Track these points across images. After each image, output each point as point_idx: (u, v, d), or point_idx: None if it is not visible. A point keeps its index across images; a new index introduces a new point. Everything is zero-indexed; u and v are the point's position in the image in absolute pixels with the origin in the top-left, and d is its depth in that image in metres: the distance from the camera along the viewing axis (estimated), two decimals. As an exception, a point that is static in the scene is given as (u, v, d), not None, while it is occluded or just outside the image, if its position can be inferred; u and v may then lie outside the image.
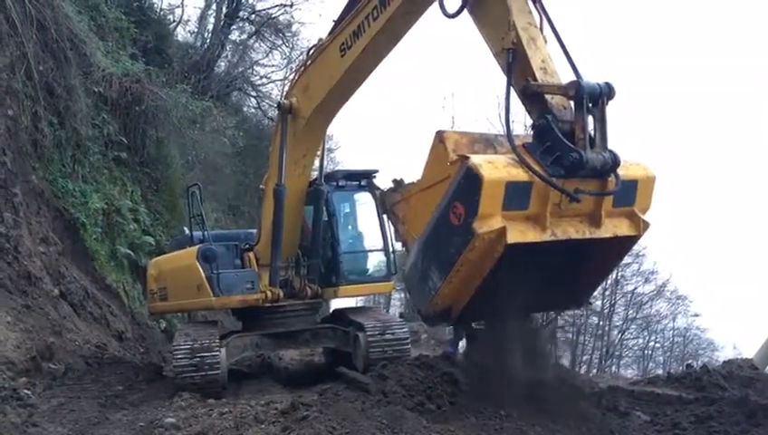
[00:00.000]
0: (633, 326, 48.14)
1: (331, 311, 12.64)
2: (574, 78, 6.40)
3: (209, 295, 10.03)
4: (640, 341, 49.17)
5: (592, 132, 6.27)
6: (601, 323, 46.71)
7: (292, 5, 31.64)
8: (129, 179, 17.94)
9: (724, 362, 10.68)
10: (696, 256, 67.52)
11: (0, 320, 9.91)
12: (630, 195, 6.61)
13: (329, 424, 5.50)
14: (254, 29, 33.12)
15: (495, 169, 6.02)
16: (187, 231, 12.25)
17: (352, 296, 11.67)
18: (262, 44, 33.99)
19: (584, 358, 45.97)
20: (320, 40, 9.69)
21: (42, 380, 9.51)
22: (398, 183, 7.58)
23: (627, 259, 44.16)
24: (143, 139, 18.57)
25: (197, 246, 10.54)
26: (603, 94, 6.23)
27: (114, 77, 17.59)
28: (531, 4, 6.81)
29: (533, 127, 6.44)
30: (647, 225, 6.76)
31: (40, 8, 14.50)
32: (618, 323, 47.07)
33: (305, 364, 13.76)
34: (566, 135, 6.19)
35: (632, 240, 6.89)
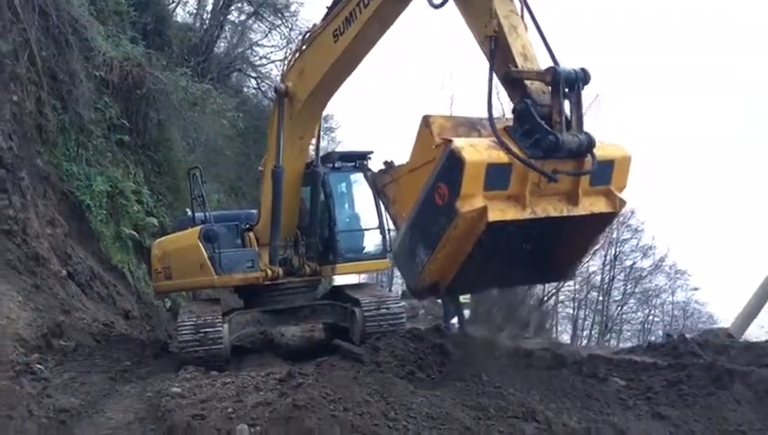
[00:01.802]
0: (632, 301, 48.70)
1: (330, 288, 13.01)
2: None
3: (211, 274, 10.44)
4: (640, 315, 49.67)
5: (569, 116, 6.61)
6: (600, 297, 47.29)
7: (290, -15, 31.82)
8: (132, 162, 18.28)
9: (703, 331, 11.08)
10: (694, 231, 68.06)
11: (11, 299, 10.32)
12: (607, 174, 6.93)
13: (322, 390, 5.91)
14: (252, 9, 33.20)
15: (477, 151, 6.34)
16: (189, 212, 12.63)
17: (349, 274, 12.01)
18: (261, 25, 34.10)
19: (584, 332, 46.61)
20: (314, 25, 9.99)
21: (53, 356, 9.89)
22: (389, 165, 7.92)
23: (626, 234, 44.72)
24: (145, 122, 18.93)
25: (199, 227, 10.91)
26: (579, 79, 6.54)
27: (115, 61, 17.83)
28: None
29: (514, 111, 6.76)
30: (623, 202, 7.10)
31: (41, -6, 14.79)
32: (618, 298, 47.68)
33: (306, 340, 14.18)
34: (545, 118, 6.51)
35: (609, 217, 7.22)
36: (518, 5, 7.09)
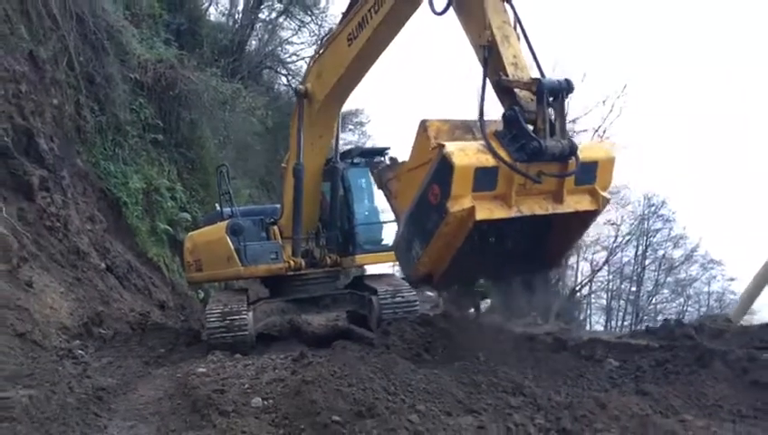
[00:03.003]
0: (666, 291, 48.49)
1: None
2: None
3: (238, 265, 11.10)
4: (674, 305, 49.37)
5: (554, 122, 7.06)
6: (633, 288, 47.23)
7: (319, -18, 32.52)
8: (166, 160, 19.14)
9: (701, 316, 11.38)
10: (731, 221, 67.17)
11: (55, 290, 11.08)
12: (591, 174, 7.35)
13: (330, 368, 6.50)
14: (282, 7, 33.91)
15: (466, 156, 6.80)
16: (218, 207, 13.34)
17: (368, 264, 12.54)
18: (291, 22, 34.88)
19: (618, 323, 46.58)
20: (330, 30, 10.58)
21: (93, 342, 10.63)
22: (394, 161, 8.48)
23: (657, 225, 44.66)
24: (177, 121, 19.77)
25: (227, 221, 11.60)
26: (563, 89, 6.98)
27: (149, 63, 18.69)
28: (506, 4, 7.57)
29: (503, 117, 7.21)
30: (606, 200, 7.52)
31: (78, 2, 15.60)
32: (650, 289, 47.58)
33: (331, 328, 14.78)
34: (532, 124, 7.00)
35: (593, 214, 7.65)
36: (512, 16, 7.55)
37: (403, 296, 10.88)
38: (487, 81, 7.30)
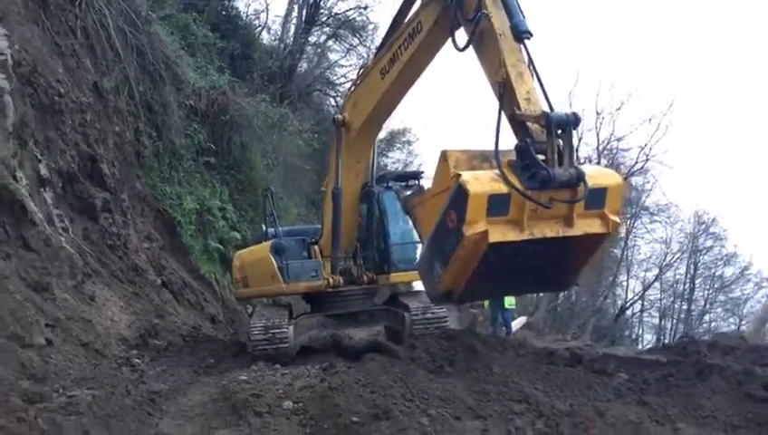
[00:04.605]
0: (719, 310, 47.74)
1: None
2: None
3: (280, 283, 11.89)
4: (733, 325, 48.49)
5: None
6: (685, 306, 46.67)
7: (366, 8, 33.55)
8: (218, 181, 20.25)
9: (715, 333, 11.70)
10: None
11: (115, 304, 12.12)
12: (600, 199, 7.82)
13: (355, 376, 7.24)
14: (331, 31, 35.04)
15: (481, 184, 7.39)
16: (264, 228, 14.23)
17: (402, 282, 13.15)
18: (340, 45, 36.00)
19: (666, 342, 45.99)
20: (366, 64, 11.40)
21: (148, 353, 11.52)
22: (420, 188, 9.17)
23: (708, 242, 44.15)
24: (229, 144, 20.92)
25: (271, 241, 12.47)
26: (570, 122, 7.53)
27: (203, 90, 19.91)
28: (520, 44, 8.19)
29: (516, 147, 7.79)
30: (616, 224, 8.00)
31: (138, 36, 16.87)
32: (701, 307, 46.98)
33: (371, 343, 15.45)
34: (543, 154, 7.60)
35: (603, 237, 8.14)
36: (526, 55, 8.18)
37: (434, 313, 11.48)
38: (502, 114, 7.93)
